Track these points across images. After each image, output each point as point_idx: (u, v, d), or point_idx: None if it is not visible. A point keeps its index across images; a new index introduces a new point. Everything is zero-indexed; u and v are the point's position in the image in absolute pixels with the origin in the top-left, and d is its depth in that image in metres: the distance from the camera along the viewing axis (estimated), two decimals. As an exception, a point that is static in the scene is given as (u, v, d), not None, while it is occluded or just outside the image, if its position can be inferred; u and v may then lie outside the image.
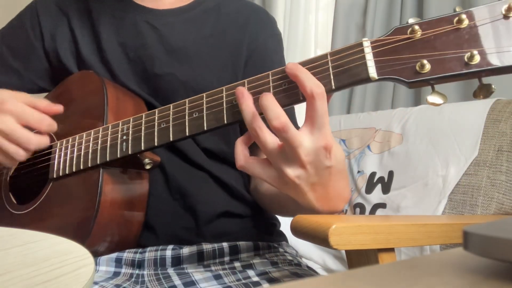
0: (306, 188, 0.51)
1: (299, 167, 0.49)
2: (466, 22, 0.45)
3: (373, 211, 1.06)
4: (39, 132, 0.68)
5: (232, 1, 0.85)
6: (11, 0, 1.52)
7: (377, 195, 1.07)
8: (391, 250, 0.54)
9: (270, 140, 0.50)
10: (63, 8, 0.83)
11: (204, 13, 0.81)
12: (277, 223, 0.84)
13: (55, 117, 0.70)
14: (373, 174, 1.10)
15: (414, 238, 0.55)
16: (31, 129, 0.67)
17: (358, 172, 1.14)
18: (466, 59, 0.45)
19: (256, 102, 0.51)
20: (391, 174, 1.07)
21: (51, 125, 0.68)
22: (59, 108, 0.70)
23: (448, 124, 1.00)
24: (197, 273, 0.67)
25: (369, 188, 1.09)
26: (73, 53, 0.80)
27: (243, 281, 0.65)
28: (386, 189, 1.06)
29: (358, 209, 1.09)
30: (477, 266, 0.23)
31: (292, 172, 0.50)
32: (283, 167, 0.50)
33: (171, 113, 0.60)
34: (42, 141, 0.67)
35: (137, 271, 0.69)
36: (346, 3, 1.52)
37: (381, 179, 1.08)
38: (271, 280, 0.65)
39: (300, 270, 0.70)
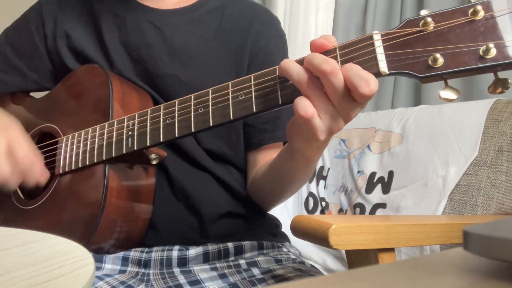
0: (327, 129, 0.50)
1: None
2: (481, 14, 0.43)
3: (373, 211, 1.06)
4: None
5: (236, 2, 0.84)
6: (12, 0, 1.52)
7: (377, 195, 1.07)
8: (391, 250, 0.54)
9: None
10: (66, 9, 0.82)
11: (207, 14, 0.81)
12: (279, 224, 0.85)
13: (60, 110, 0.70)
14: (373, 174, 1.10)
15: (414, 238, 0.55)
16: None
17: (358, 172, 1.14)
18: (481, 53, 0.42)
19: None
20: (391, 174, 1.06)
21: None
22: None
23: (448, 124, 1.00)
24: (202, 273, 0.67)
25: (369, 188, 1.09)
26: (76, 53, 0.80)
27: (248, 279, 0.65)
28: (386, 189, 1.06)
29: (358, 209, 1.09)
30: (477, 266, 0.23)
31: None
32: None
33: (176, 108, 0.60)
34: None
35: (143, 270, 0.69)
36: (346, 3, 1.51)
37: (381, 179, 1.08)
38: (276, 277, 0.65)
39: (304, 267, 0.70)
